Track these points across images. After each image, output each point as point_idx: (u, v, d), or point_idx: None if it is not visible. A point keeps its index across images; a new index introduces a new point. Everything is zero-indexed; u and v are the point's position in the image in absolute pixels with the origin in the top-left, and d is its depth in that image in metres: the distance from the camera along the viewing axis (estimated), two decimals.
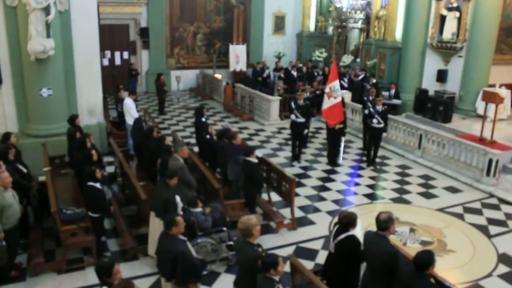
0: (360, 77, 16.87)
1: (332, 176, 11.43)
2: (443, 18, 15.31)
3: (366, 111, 12.42)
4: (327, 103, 11.59)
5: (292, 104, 12.17)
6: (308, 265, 7.13)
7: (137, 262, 7.57)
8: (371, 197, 10.35)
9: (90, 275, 7.13)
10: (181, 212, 6.81)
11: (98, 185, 7.38)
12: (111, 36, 19.67)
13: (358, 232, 6.75)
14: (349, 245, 5.69)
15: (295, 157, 12.36)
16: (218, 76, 19.80)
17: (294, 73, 18.55)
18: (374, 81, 16.00)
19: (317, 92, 15.38)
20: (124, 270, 5.43)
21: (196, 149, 11.22)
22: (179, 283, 5.38)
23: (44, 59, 10.31)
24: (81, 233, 7.29)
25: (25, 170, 8.32)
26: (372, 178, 11.43)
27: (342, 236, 5.72)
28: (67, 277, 7.23)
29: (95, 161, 8.24)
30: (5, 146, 8.20)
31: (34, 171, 9.04)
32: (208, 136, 10.09)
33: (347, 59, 18.83)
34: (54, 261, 7.53)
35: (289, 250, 7.87)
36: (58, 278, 7.20)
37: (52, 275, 7.27)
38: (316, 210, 9.62)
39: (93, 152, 8.31)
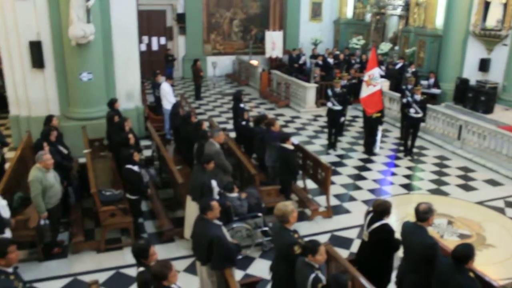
0: (398, 66, 16.53)
1: (368, 165, 11.30)
2: (487, 5, 14.82)
3: (404, 100, 12.17)
4: (365, 91, 11.42)
5: (329, 92, 12.06)
6: (343, 253, 7.06)
7: (173, 244, 7.71)
8: (408, 187, 10.19)
9: (128, 255, 7.27)
10: (217, 197, 6.87)
11: (135, 168, 7.50)
12: (149, 22, 19.89)
13: (393, 222, 6.66)
14: (383, 233, 5.63)
15: (331, 145, 12.27)
16: (254, 62, 19.75)
17: (331, 60, 18.34)
18: (413, 69, 15.65)
19: (354, 80, 15.16)
20: (160, 251, 5.52)
21: (232, 134, 11.27)
22: (214, 267, 5.43)
23: (84, 44, 10.51)
24: (119, 214, 7.45)
25: (66, 152, 8.54)
26: (409, 168, 11.23)
27: (376, 224, 5.67)
28: (106, 256, 7.44)
29: (133, 145, 8.37)
30: (48, 128, 8.43)
31: (74, 153, 9.29)
32: (244, 122, 10.09)
33: (385, 46, 18.44)
34: (93, 240, 7.77)
35: (324, 238, 7.85)
36: (97, 257, 7.41)
37: (92, 253, 7.49)
38: (352, 199, 9.55)
39: (130, 135, 8.44)
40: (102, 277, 6.70)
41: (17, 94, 11.43)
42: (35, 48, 10.92)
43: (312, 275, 4.66)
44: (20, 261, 6.55)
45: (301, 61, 19.10)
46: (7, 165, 9.13)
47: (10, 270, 4.53)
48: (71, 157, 8.69)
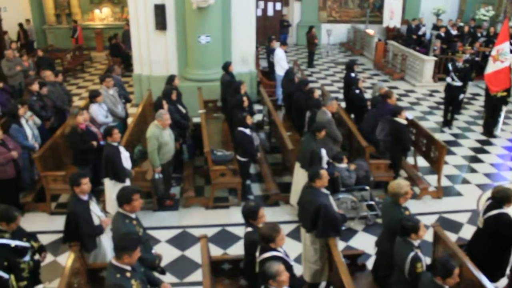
0: None
1: (487, 148, 10.56)
2: None
3: None
4: (491, 67, 10.57)
5: (450, 66, 11.34)
6: (451, 237, 6.77)
7: (278, 208, 7.89)
8: None
9: (234, 214, 7.64)
10: (325, 166, 6.85)
11: (247, 131, 7.67)
12: None
13: None
14: (499, 223, 5.30)
15: (447, 122, 11.63)
16: (370, 31, 19.10)
17: (454, 32, 17.13)
18: None
19: (477, 56, 14.06)
20: (265, 214, 5.65)
21: (343, 104, 11.10)
22: (319, 235, 5.46)
23: (204, 7, 10.81)
24: (229, 174, 7.74)
25: (184, 111, 8.97)
26: None
27: (494, 212, 5.35)
28: (213, 213, 7.81)
29: (246, 108, 8.55)
30: (170, 87, 8.89)
31: (189, 112, 9.70)
32: (357, 91, 9.85)
33: None
34: (203, 196, 8.18)
35: (431, 219, 7.54)
36: (205, 213, 7.82)
37: (200, 209, 7.91)
38: (465, 181, 9.04)
39: (245, 98, 8.63)
40: (208, 232, 6.99)
41: (141, 54, 12.18)
42: (159, 11, 11.49)
43: (411, 254, 4.56)
44: None
45: (420, 32, 18.09)
46: (129, 120, 9.82)
47: (133, 215, 4.93)
48: (188, 117, 9.09)
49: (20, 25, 17.52)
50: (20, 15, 18.61)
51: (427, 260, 4.83)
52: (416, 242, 4.67)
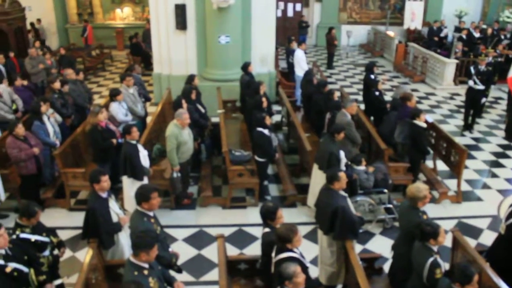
0: None
1: (508, 152, 10.38)
2: None
3: None
4: None
5: (472, 69, 11.18)
6: (470, 243, 6.67)
7: (295, 210, 7.87)
8: None
9: (251, 214, 7.64)
10: (344, 168, 6.81)
11: (266, 131, 7.66)
12: None
13: None
14: None
15: (467, 126, 11.47)
16: (390, 33, 18.95)
17: (477, 34, 16.90)
18: None
19: (500, 58, 13.86)
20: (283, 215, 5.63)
21: (362, 106, 11.03)
22: (336, 237, 5.43)
23: (225, 7, 10.84)
24: (246, 175, 7.75)
25: (203, 110, 8.99)
26: None
27: None
28: (230, 212, 7.83)
29: (265, 108, 8.54)
30: (189, 87, 8.93)
31: (208, 112, 9.74)
32: (377, 93, 9.77)
33: None
34: (220, 196, 8.20)
35: (450, 224, 7.44)
36: (222, 212, 7.84)
37: (218, 208, 7.93)
38: (485, 186, 8.90)
39: (264, 99, 8.62)
40: (225, 231, 6.98)
41: (161, 54, 12.28)
42: (180, 11, 11.57)
43: (431, 259, 4.49)
44: None
45: (442, 34, 17.89)
46: (148, 119, 9.89)
47: (151, 214, 4.97)
48: (206, 116, 9.12)
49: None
50: (44, 14, 18.92)
51: (445, 266, 4.77)
52: (435, 248, 4.60)
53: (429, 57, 15.62)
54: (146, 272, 4.07)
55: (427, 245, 4.58)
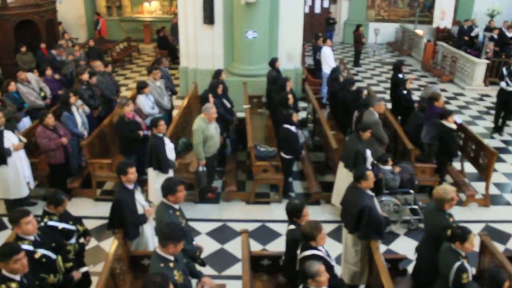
0: None
1: None
2: None
3: None
4: None
5: (504, 70, 10.92)
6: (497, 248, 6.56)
7: (318, 207, 7.82)
8: None
9: (274, 211, 7.64)
10: (369, 167, 6.73)
11: (293, 128, 7.62)
12: None
13: None
14: None
15: (497, 128, 11.23)
16: (419, 31, 18.64)
17: (509, 34, 16.48)
18: None
19: None
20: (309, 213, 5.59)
21: (389, 105, 10.88)
22: (361, 237, 5.38)
23: (253, 3, 10.81)
24: (271, 171, 7.72)
25: (229, 105, 9.01)
26: None
27: None
28: (254, 208, 7.83)
29: (291, 105, 8.50)
30: (216, 81, 8.95)
31: (234, 107, 9.75)
32: (405, 92, 9.64)
33: None
34: (244, 191, 8.21)
35: (477, 228, 7.27)
36: (246, 207, 7.85)
37: (241, 203, 7.94)
38: None
39: (290, 96, 8.58)
40: (248, 227, 6.92)
41: (188, 48, 12.34)
42: (208, 5, 11.59)
43: (457, 263, 4.40)
44: None
45: (472, 34, 17.51)
46: (174, 112, 9.94)
47: (176, 206, 4.99)
48: (232, 111, 9.13)
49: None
50: (74, 7, 19.19)
51: (472, 270, 4.67)
52: (463, 252, 4.50)
53: (458, 57, 15.32)
54: (171, 264, 4.09)
55: (455, 248, 4.49)
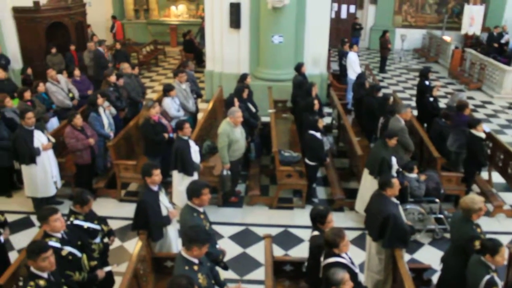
0: None
1: None
2: None
3: None
4: None
5: None
6: None
7: (341, 214, 7.76)
8: None
9: (297, 216, 7.61)
10: (395, 174, 6.66)
11: (318, 134, 7.58)
12: None
13: None
14: None
15: None
16: (447, 38, 18.39)
17: None
18: None
19: None
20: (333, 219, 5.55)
21: (415, 112, 10.75)
22: (386, 245, 5.31)
23: (279, 7, 10.82)
24: (295, 176, 7.69)
25: (254, 110, 9.02)
26: None
27: None
28: (277, 213, 7.81)
29: (316, 111, 8.47)
30: (241, 85, 8.98)
31: (258, 111, 9.76)
32: (431, 99, 9.51)
33: None
34: (267, 196, 8.20)
35: (505, 239, 7.11)
36: (268, 212, 7.83)
37: (264, 208, 7.93)
38: None
39: (316, 101, 8.54)
40: (271, 232, 6.92)
41: (214, 51, 12.42)
42: (234, 9, 11.65)
43: (487, 277, 4.30)
44: None
45: (502, 41, 17.18)
46: (199, 115, 10.00)
47: (201, 209, 5.01)
48: (257, 115, 9.14)
49: None
50: (103, 10, 19.53)
51: (501, 284, 4.57)
52: (493, 265, 4.40)
53: (487, 64, 15.05)
54: (196, 267, 4.10)
55: (484, 261, 4.39)
